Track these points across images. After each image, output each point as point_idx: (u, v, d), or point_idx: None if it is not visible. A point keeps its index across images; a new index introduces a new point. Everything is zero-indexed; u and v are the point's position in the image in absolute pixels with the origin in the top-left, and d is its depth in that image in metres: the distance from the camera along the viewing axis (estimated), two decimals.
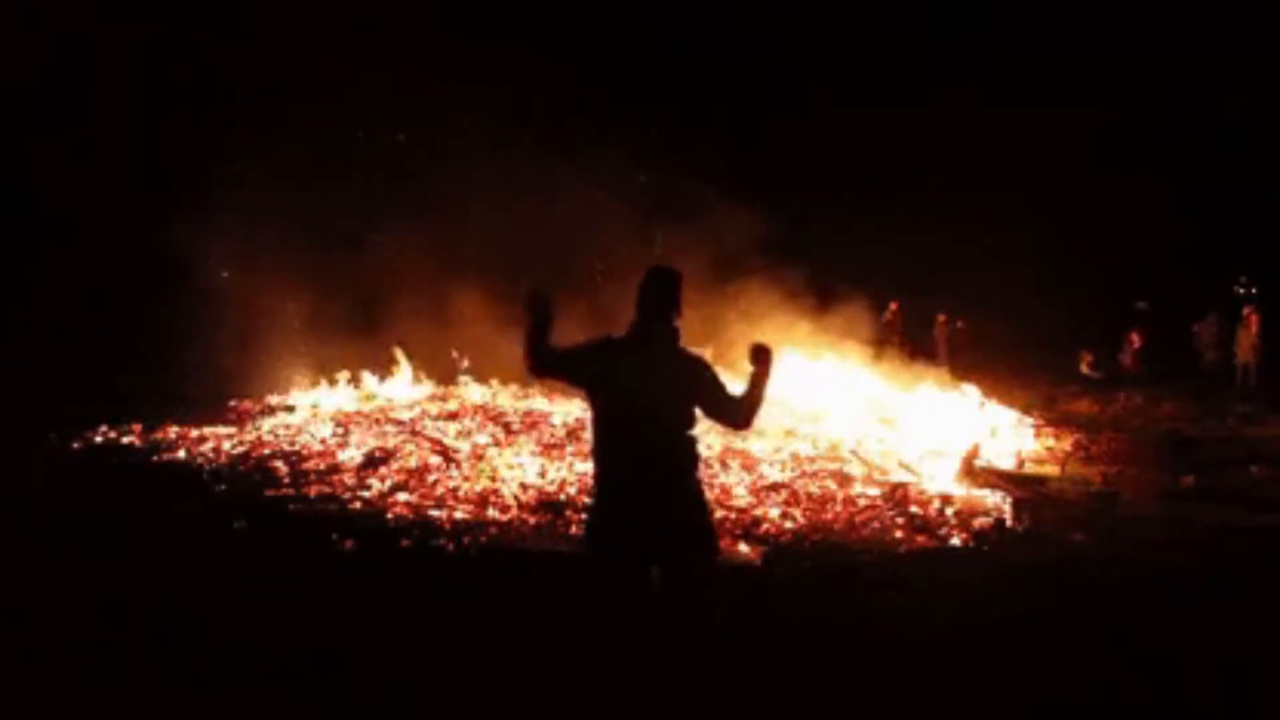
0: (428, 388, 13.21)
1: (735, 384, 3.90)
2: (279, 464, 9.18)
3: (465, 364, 13.45)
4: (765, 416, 9.96)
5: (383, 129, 16.28)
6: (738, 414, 3.79)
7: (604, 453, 3.68)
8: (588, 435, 3.94)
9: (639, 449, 3.59)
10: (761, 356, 3.80)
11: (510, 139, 15.24)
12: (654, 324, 3.72)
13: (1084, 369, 17.68)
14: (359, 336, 13.75)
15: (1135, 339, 17.04)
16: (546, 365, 3.80)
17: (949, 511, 7.56)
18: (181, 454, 9.74)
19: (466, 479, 8.44)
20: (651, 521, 3.55)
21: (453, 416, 11.11)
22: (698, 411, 3.79)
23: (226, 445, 10.04)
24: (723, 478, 8.48)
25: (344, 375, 13.13)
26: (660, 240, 14.59)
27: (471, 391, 12.88)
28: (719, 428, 5.40)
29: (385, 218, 14.80)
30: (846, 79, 22.22)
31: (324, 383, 13.15)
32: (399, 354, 13.38)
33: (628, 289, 3.83)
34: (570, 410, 11.15)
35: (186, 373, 12.89)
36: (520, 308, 3.77)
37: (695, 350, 3.84)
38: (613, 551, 3.62)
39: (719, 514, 7.34)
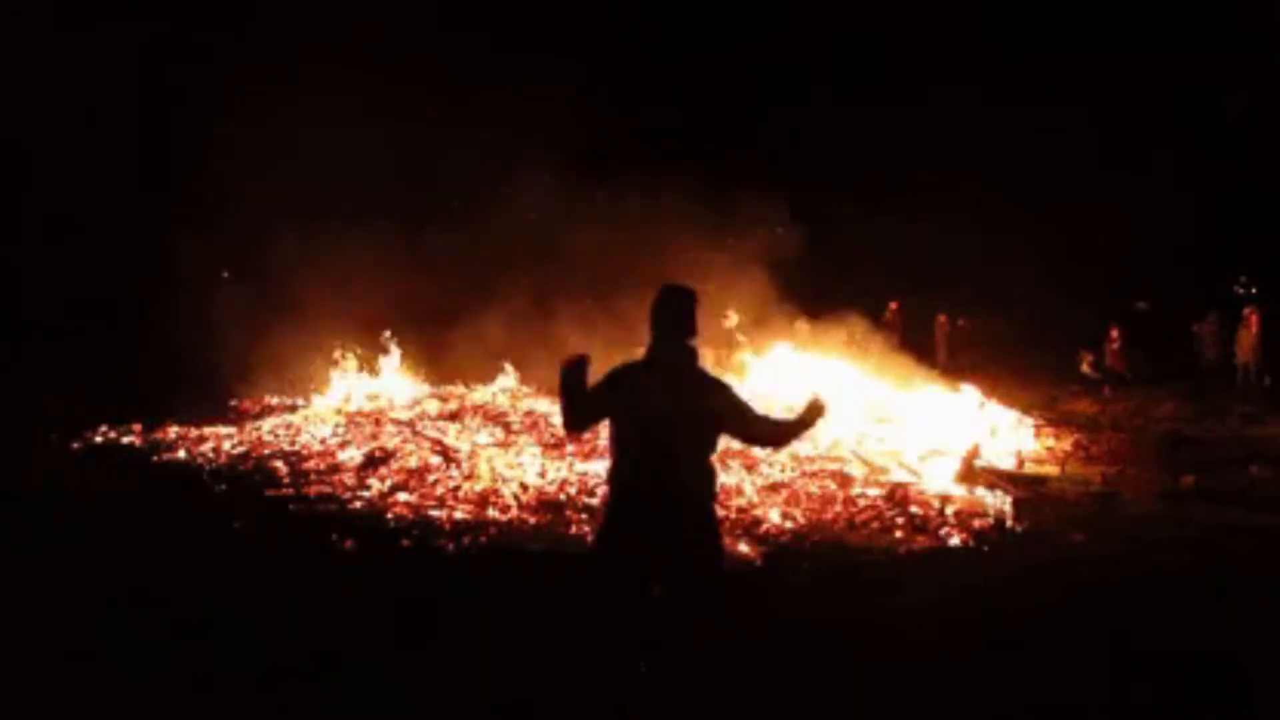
0: (425, 387, 13.21)
1: (764, 405, 3.92)
2: (279, 464, 9.18)
3: None
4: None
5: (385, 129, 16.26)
6: (771, 438, 3.90)
7: (620, 469, 3.65)
8: (590, 437, 3.96)
9: (655, 470, 3.55)
10: (816, 410, 3.85)
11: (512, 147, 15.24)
12: (669, 344, 3.65)
13: (1084, 369, 17.60)
14: (357, 337, 13.75)
15: (1114, 336, 16.92)
16: (585, 424, 3.87)
17: (949, 511, 7.55)
18: (181, 454, 9.75)
19: (466, 479, 8.44)
20: (661, 533, 3.53)
21: (453, 417, 11.11)
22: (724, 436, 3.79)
23: (226, 445, 10.04)
24: (723, 478, 8.47)
25: (345, 369, 13.13)
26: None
27: (472, 391, 12.87)
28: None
29: (384, 217, 14.80)
30: (847, 77, 22.23)
31: (323, 385, 13.15)
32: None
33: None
34: None
35: (186, 373, 12.89)
36: (560, 374, 3.69)
37: (715, 371, 3.84)
38: (618, 555, 3.61)
39: (718, 514, 7.34)
